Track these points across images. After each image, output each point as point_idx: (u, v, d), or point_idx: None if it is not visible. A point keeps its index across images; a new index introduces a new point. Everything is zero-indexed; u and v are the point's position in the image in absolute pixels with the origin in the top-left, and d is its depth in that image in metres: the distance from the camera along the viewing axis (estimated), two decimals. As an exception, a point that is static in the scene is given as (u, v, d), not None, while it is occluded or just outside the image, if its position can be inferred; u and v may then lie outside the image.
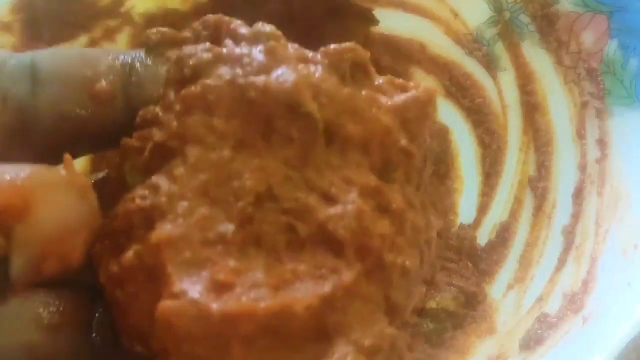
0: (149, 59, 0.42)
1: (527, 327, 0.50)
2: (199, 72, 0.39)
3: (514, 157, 0.61)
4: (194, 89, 0.39)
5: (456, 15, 0.64)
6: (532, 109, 0.60)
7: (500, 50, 0.62)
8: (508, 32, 0.61)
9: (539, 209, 0.58)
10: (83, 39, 0.59)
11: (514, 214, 0.59)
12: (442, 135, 0.65)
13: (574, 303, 0.49)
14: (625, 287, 0.46)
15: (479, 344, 0.54)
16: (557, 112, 0.58)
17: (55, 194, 0.35)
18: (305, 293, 0.35)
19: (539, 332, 0.49)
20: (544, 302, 0.52)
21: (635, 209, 0.49)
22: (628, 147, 0.52)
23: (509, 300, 0.56)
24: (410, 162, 0.41)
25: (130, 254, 0.37)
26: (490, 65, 0.63)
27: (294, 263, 0.37)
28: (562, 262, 0.53)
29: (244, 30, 0.42)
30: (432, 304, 0.57)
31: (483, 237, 0.61)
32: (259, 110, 0.38)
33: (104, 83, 0.40)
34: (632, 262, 0.47)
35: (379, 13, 0.63)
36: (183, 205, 0.37)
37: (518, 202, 0.60)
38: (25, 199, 0.34)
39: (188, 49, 0.41)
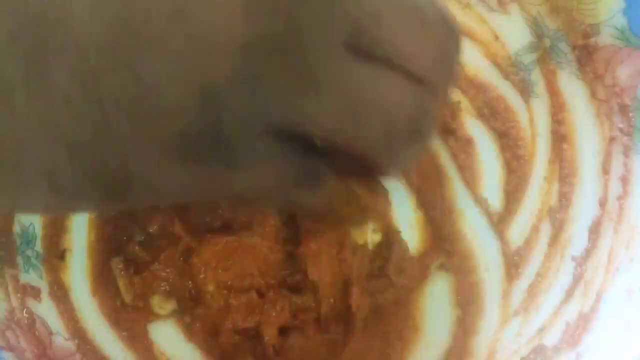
0: None
1: (522, 356, 0.50)
2: None
3: (537, 185, 0.60)
4: None
5: (497, 37, 0.64)
6: (560, 138, 0.59)
7: (536, 76, 0.62)
8: (546, 59, 0.61)
9: (554, 240, 0.57)
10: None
11: (529, 242, 0.59)
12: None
13: (571, 337, 0.49)
14: (624, 326, 0.46)
15: (474, 369, 0.54)
16: (585, 144, 0.58)
17: None
18: None
19: (532, 362, 0.49)
20: (543, 333, 0.52)
21: (647, 250, 0.49)
22: (648, 186, 0.52)
23: (510, 328, 0.55)
24: None
25: None
26: (524, 90, 0.63)
27: None
28: (568, 295, 0.53)
29: None
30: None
31: (496, 261, 0.60)
32: None
33: None
34: (634, 303, 0.47)
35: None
36: None
37: (535, 230, 0.59)
38: None
39: None
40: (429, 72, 0.36)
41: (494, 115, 0.64)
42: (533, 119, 0.62)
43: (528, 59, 0.62)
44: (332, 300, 0.57)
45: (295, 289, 0.59)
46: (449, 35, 0.38)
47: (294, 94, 0.32)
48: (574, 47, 0.58)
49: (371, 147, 0.36)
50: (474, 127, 0.65)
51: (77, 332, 0.53)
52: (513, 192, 0.61)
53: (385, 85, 0.35)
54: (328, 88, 0.33)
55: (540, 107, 0.61)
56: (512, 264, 0.58)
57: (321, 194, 0.38)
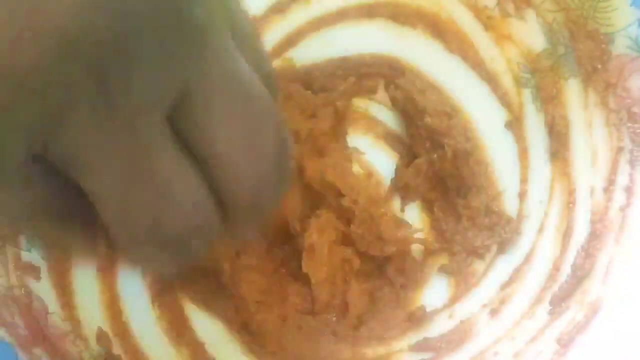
0: None
1: (513, 362, 0.50)
2: None
3: (539, 196, 0.60)
4: None
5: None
6: (569, 146, 0.59)
7: (547, 82, 0.61)
8: (559, 66, 0.60)
9: (555, 248, 0.57)
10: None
11: (530, 252, 0.58)
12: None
13: (562, 346, 0.48)
14: (614, 337, 0.46)
15: None
16: (593, 153, 0.57)
17: None
18: None
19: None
20: (536, 341, 0.51)
21: (645, 262, 0.48)
22: (652, 198, 0.51)
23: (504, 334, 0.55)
24: None
25: None
26: (535, 96, 0.62)
27: None
28: (565, 304, 0.52)
29: None
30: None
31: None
32: None
33: None
34: (626, 313, 0.47)
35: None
36: None
37: (540, 231, 0.58)
38: None
39: None
40: (239, 200, 0.32)
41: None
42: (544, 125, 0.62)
43: (541, 65, 0.62)
44: (326, 297, 0.58)
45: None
46: (282, 165, 0.33)
47: (80, 132, 0.26)
48: (587, 56, 0.58)
49: (124, 240, 0.31)
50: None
51: (72, 313, 0.54)
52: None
53: (177, 174, 0.29)
54: (121, 138, 0.27)
55: (551, 114, 0.61)
56: (513, 271, 0.58)
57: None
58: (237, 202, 0.32)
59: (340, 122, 0.62)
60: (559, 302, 0.53)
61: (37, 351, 0.46)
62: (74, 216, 0.31)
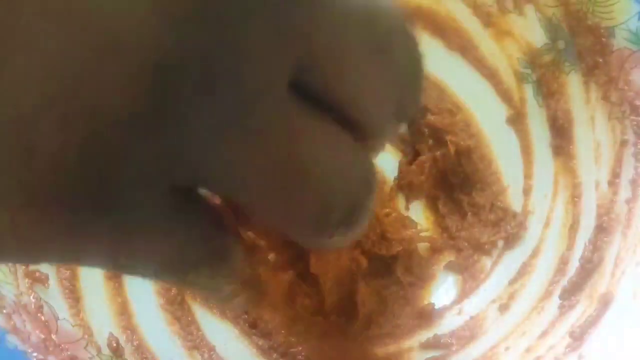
0: None
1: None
2: None
3: (544, 191, 0.60)
4: None
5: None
6: (572, 140, 0.59)
7: (549, 77, 0.61)
8: (560, 60, 0.61)
9: (561, 243, 0.57)
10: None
11: (538, 247, 0.58)
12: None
13: (575, 339, 0.48)
14: (628, 330, 0.45)
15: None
16: (596, 147, 0.57)
17: None
18: None
19: (534, 363, 0.49)
20: (547, 336, 0.51)
21: (655, 254, 0.49)
22: (659, 191, 0.52)
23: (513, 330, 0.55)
24: None
25: None
26: (537, 91, 0.62)
27: None
28: (573, 298, 0.52)
29: None
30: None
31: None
32: None
33: None
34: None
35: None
36: None
37: (546, 225, 0.59)
38: None
39: None
40: (381, 130, 0.28)
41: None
42: (546, 120, 0.62)
43: (542, 60, 0.62)
44: (334, 297, 0.58)
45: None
46: (414, 80, 0.28)
47: (215, 138, 0.22)
48: (587, 50, 0.58)
49: (298, 231, 0.28)
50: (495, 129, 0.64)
51: (82, 319, 0.53)
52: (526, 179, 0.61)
53: (329, 147, 0.26)
54: (259, 138, 0.23)
55: (553, 108, 0.61)
56: (520, 266, 0.58)
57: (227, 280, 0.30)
58: (376, 127, 0.28)
59: None
60: (568, 296, 0.53)
61: (51, 359, 0.46)
62: (217, 260, 0.28)
